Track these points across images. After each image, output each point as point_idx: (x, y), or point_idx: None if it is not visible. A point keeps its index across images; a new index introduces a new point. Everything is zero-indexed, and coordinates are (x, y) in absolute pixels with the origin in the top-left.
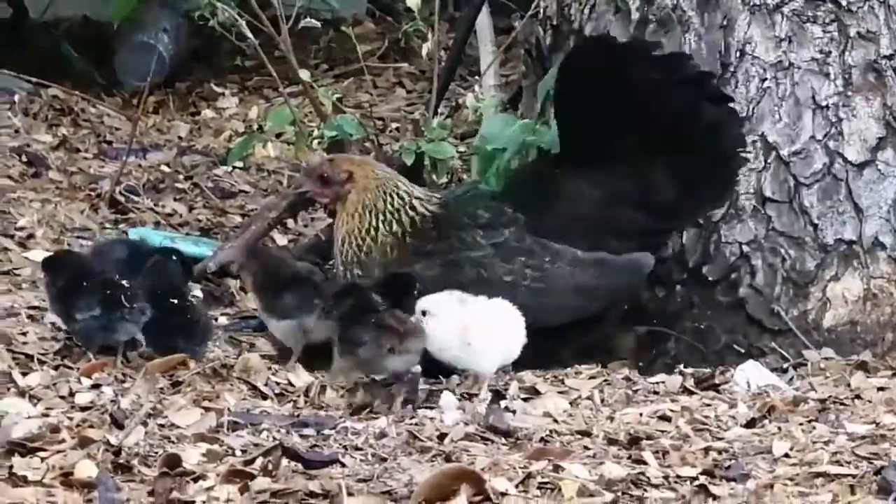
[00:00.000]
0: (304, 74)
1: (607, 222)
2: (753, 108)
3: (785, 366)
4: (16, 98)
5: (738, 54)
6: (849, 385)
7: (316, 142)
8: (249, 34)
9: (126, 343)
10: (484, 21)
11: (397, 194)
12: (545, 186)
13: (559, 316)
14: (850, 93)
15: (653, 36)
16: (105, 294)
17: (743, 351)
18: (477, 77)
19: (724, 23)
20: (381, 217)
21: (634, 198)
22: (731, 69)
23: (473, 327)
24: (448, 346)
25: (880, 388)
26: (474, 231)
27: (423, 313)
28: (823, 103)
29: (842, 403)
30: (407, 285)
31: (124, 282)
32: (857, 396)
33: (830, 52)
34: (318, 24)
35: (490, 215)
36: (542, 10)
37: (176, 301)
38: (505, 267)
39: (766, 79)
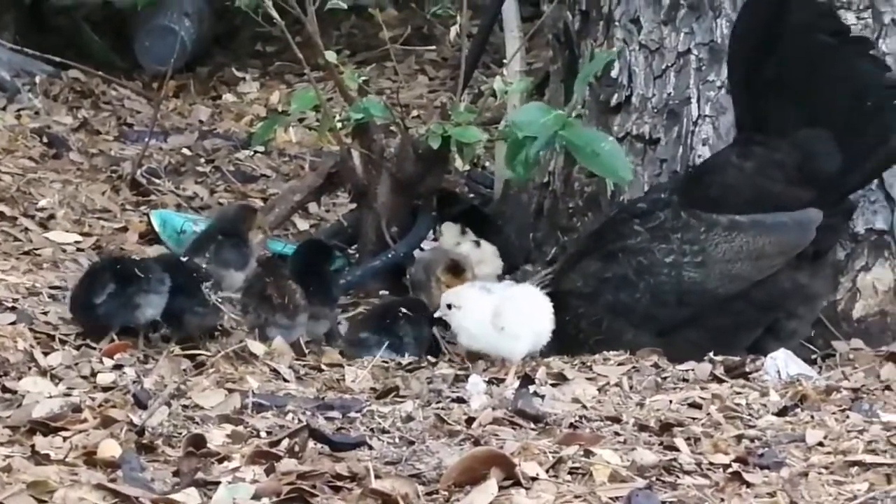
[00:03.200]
0: (331, 56)
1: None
2: None
3: (813, 356)
4: (37, 79)
5: None
6: (878, 376)
7: (340, 125)
8: (276, 15)
9: (147, 324)
10: (510, 7)
11: None
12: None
13: (729, 285)
14: None
15: (683, 21)
16: (116, 270)
17: None
18: (502, 63)
19: None
20: None
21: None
22: None
23: (504, 313)
24: (479, 334)
25: None
26: (631, 221)
27: (449, 306)
28: None
29: (873, 394)
30: None
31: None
32: (888, 387)
33: None
34: (345, 5)
35: (646, 205)
36: None
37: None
38: (664, 248)
39: None
